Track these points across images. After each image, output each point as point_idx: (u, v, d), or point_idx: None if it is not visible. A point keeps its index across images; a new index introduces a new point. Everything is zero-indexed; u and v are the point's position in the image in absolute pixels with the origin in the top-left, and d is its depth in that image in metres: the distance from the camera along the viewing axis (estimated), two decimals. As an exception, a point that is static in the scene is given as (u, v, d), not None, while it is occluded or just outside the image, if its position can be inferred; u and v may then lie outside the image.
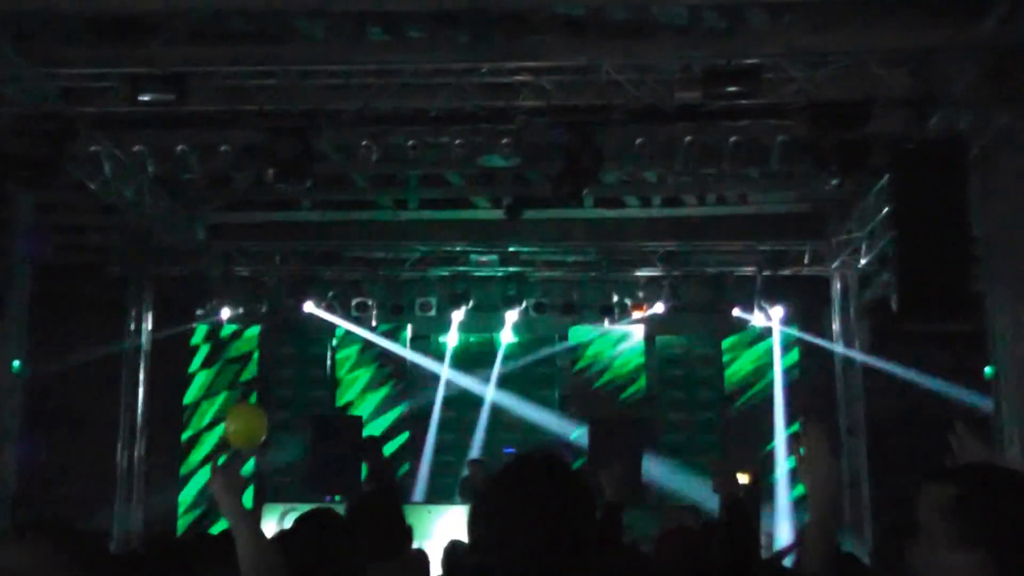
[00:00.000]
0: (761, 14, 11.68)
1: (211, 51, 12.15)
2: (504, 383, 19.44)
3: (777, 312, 18.13)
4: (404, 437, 19.58)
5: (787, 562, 8.48)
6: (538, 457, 2.97)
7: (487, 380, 19.38)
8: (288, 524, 5.56)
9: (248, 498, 18.73)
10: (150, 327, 18.58)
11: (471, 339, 19.66)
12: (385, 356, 19.73)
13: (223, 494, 4.39)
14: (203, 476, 18.73)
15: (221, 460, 4.54)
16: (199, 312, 18.89)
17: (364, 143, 13.24)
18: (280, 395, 19.69)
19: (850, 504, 16.84)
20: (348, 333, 19.35)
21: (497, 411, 19.32)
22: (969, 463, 3.30)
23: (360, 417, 18.83)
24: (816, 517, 3.99)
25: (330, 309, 18.96)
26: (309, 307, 18.76)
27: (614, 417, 19.13)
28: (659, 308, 18.60)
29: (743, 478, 18.41)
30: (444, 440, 19.34)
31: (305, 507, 14.97)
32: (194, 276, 18.67)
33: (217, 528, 14.47)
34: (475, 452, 18.60)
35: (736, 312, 18.42)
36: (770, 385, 18.92)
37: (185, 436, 19.50)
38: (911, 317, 11.94)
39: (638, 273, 18.68)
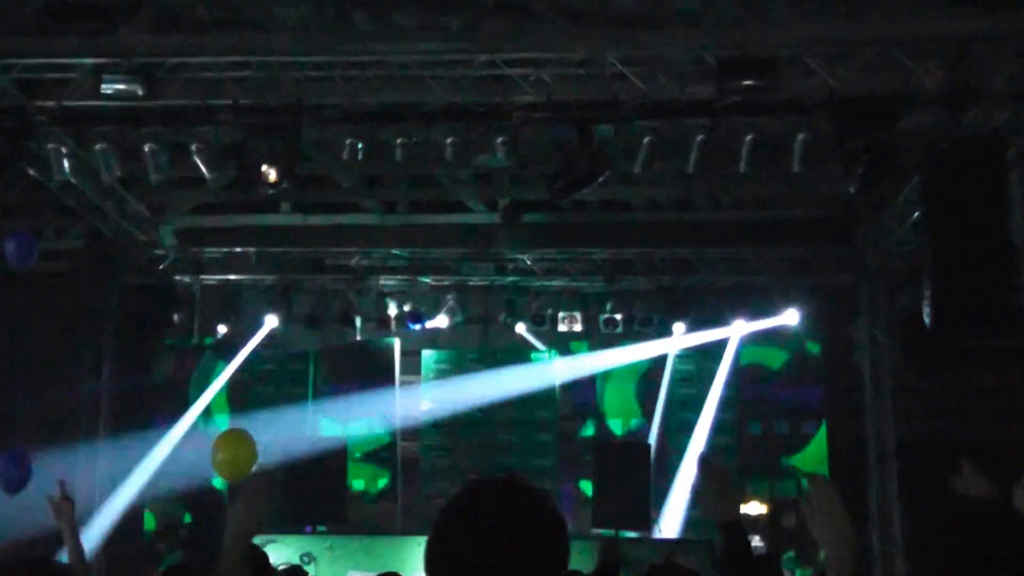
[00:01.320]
0: (780, 1, 11.67)
1: (182, 40, 12.14)
2: (500, 405, 19.33)
3: (793, 315, 18.05)
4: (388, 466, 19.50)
5: None
6: (498, 480, 2.91)
7: (482, 398, 19.27)
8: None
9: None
10: (113, 338, 18.47)
11: (466, 355, 19.57)
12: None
13: (245, 508, 4.53)
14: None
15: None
16: (167, 323, 18.77)
17: (348, 141, 13.19)
18: (259, 415, 19.52)
19: (880, 542, 16.71)
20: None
21: (493, 432, 19.25)
22: (940, 498, 3.35)
23: (344, 440, 18.77)
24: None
25: (311, 321, 18.88)
26: (289, 319, 18.67)
27: (620, 440, 19.11)
28: (672, 324, 18.53)
29: (758, 508, 18.20)
30: (435, 465, 19.26)
31: (287, 539, 14.85)
32: (162, 285, 18.61)
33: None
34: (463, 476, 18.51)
35: (753, 325, 18.33)
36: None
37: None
38: (948, 332, 11.89)
39: (646, 283, 18.64)
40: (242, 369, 19.55)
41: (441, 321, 19.02)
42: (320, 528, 17.51)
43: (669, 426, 19.36)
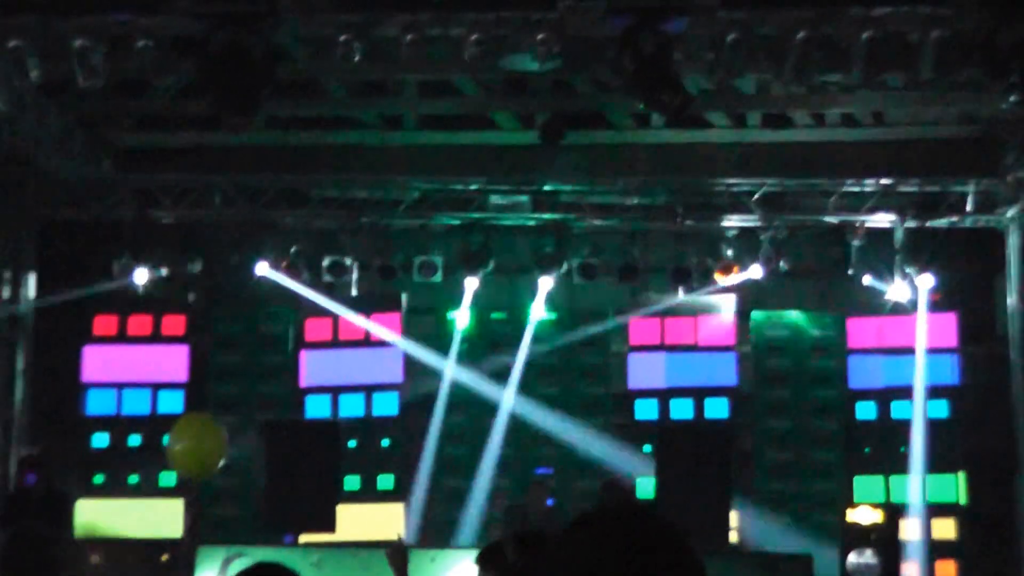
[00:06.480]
0: None
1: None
2: (536, 378, 19.32)
3: (925, 280, 17.96)
4: (391, 454, 19.46)
5: None
6: (631, 509, 3.07)
7: (510, 372, 19.28)
8: None
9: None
10: (32, 292, 18.49)
11: (491, 315, 19.54)
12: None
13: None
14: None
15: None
16: (104, 272, 18.78)
17: (342, 37, 13.13)
18: (222, 392, 19.62)
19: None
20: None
21: (524, 417, 19.25)
22: None
23: (336, 423, 18.80)
24: None
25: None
26: (262, 268, 18.67)
27: (691, 425, 19.07)
28: (756, 272, 18.48)
29: (871, 515, 18.40)
30: (449, 457, 19.26)
31: (257, 551, 14.95)
32: (97, 222, 18.64)
33: None
34: (491, 471, 18.53)
35: (867, 279, 18.25)
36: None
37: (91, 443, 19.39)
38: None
39: (726, 223, 18.67)
40: (197, 333, 19.59)
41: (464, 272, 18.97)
42: (304, 538, 17.53)
43: (754, 406, 19.32)
